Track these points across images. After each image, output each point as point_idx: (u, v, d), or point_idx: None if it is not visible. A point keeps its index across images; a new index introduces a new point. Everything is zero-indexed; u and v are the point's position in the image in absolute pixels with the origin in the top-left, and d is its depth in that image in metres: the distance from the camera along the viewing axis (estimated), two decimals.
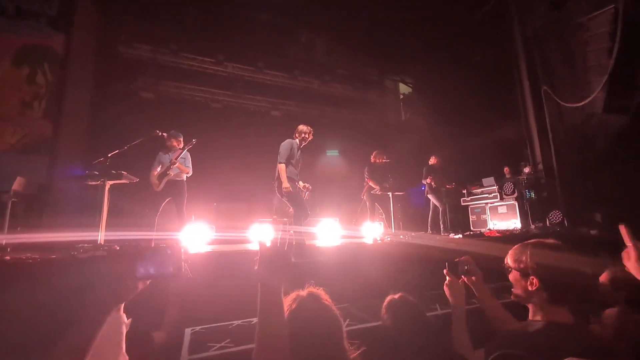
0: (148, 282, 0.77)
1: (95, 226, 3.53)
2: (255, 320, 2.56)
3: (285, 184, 3.73)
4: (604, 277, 1.73)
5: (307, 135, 4.06)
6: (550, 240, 1.15)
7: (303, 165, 4.20)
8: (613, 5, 5.55)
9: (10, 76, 5.68)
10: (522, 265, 1.14)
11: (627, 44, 5.38)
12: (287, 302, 1.07)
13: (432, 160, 6.20)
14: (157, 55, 8.14)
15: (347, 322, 2.58)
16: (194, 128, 8.24)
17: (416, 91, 11.13)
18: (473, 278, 1.45)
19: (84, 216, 5.71)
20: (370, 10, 8.60)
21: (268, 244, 0.82)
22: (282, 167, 3.80)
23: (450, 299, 1.44)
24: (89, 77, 7.32)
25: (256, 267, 0.81)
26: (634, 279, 1.81)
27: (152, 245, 3.83)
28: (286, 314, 1.02)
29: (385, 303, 1.39)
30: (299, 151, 4.06)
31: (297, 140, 4.05)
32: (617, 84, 5.60)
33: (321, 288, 1.21)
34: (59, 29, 6.06)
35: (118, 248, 3.30)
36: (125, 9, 7.09)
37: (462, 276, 1.46)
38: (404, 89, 11.39)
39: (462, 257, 1.48)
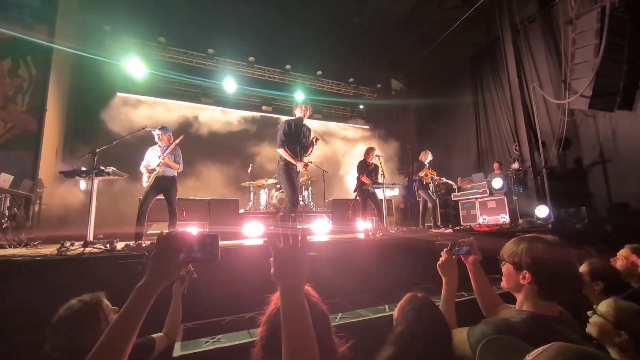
0: (190, 267, 0.79)
1: (84, 223, 3.46)
2: (247, 315, 2.56)
3: (299, 164, 3.83)
4: (583, 268, 1.80)
5: (303, 110, 4.01)
6: (548, 236, 1.15)
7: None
8: (600, 5, 5.65)
9: None
10: (516, 259, 1.15)
11: (613, 42, 5.49)
12: (274, 299, 1.05)
13: (423, 156, 6.26)
14: (145, 49, 7.97)
15: (339, 315, 2.61)
16: (184, 123, 8.21)
17: (408, 87, 11.19)
18: (470, 258, 1.46)
19: (73, 213, 5.63)
20: (360, 10, 8.60)
21: (279, 243, 0.77)
22: (281, 151, 3.81)
23: (443, 277, 1.46)
24: (74, 70, 7.15)
25: (272, 271, 0.76)
26: (613, 270, 1.88)
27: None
28: (273, 310, 1.02)
29: (401, 302, 1.36)
30: (302, 128, 3.98)
31: (294, 118, 4.00)
32: (603, 82, 5.73)
33: (308, 284, 1.22)
34: (42, 20, 5.87)
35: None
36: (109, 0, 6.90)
37: (461, 255, 1.46)
38: (396, 85, 11.44)
39: (467, 239, 1.49)
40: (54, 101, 6.12)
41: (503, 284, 1.22)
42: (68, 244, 3.16)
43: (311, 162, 4.20)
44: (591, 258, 1.91)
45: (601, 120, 6.38)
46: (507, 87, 7.47)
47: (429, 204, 6.24)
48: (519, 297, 1.17)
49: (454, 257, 1.47)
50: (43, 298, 1.96)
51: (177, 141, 4.30)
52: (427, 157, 6.22)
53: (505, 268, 1.20)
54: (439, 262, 1.48)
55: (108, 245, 3.24)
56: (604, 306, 1.25)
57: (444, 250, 1.49)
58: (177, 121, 8.05)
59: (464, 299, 2.38)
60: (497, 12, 7.17)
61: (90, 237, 3.39)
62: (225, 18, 7.68)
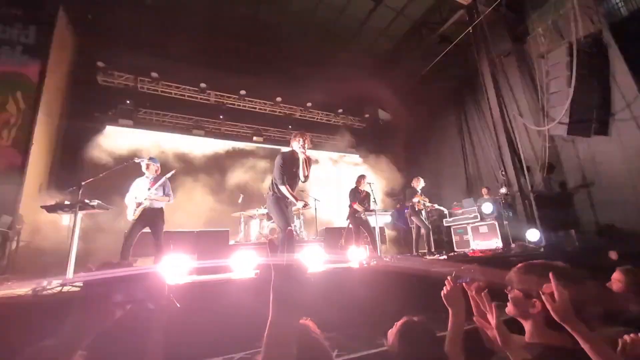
0: (127, 308, 0.68)
1: (66, 260, 3.28)
2: (237, 356, 2.39)
3: (299, 203, 3.57)
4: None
5: (300, 143, 3.52)
6: (559, 264, 1.11)
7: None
8: (568, 41, 6.13)
9: None
10: (526, 287, 1.10)
11: (583, 74, 5.90)
12: None
13: (415, 182, 6.33)
14: (137, 84, 8.12)
15: (335, 352, 2.46)
16: (176, 155, 8.18)
17: (395, 117, 11.57)
18: (472, 286, 1.37)
19: (54, 250, 5.36)
20: (347, 46, 9.10)
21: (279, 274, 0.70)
22: (283, 189, 3.48)
23: (450, 308, 1.38)
24: (64, 105, 7.17)
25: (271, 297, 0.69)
26: (608, 295, 1.86)
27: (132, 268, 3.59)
28: None
29: (398, 326, 1.27)
30: (296, 162, 3.57)
31: (288, 152, 3.64)
32: (578, 109, 6.07)
33: (309, 319, 1.16)
34: (34, 57, 5.96)
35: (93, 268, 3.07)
36: (103, 37, 7.11)
37: (464, 283, 1.39)
38: (383, 115, 11.83)
39: (469, 266, 1.45)
40: (42, 135, 6.06)
41: (509, 309, 1.16)
42: (45, 283, 2.97)
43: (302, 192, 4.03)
44: (586, 281, 1.89)
45: (580, 145, 6.67)
46: (489, 115, 7.81)
47: (422, 230, 6.21)
48: (527, 327, 1.11)
49: (457, 284, 1.41)
50: (13, 341, 1.79)
51: (168, 175, 4.25)
52: (420, 184, 6.29)
53: (514, 294, 1.15)
54: (444, 292, 1.41)
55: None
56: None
57: (448, 279, 1.43)
58: (167, 153, 8.02)
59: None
60: (475, 48, 7.67)
61: (70, 275, 3.20)
62: (217, 53, 7.97)
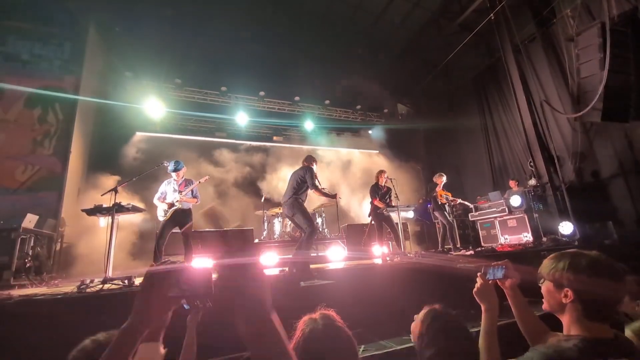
0: (182, 304, 0.70)
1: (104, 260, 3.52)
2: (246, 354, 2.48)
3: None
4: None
5: (317, 164, 4.54)
6: (591, 252, 1.07)
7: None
8: (599, 21, 5.76)
9: (23, 118, 5.91)
10: (557, 276, 1.08)
11: (618, 55, 5.52)
12: (300, 326, 1.06)
13: (438, 179, 6.20)
14: (162, 90, 8.47)
15: (362, 348, 2.49)
16: (199, 158, 8.48)
17: (414, 111, 11.36)
18: (507, 282, 1.34)
19: (93, 251, 5.74)
20: (363, 42, 9.03)
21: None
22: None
23: (482, 304, 1.33)
24: (97, 113, 7.62)
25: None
26: None
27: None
28: (300, 337, 1.02)
29: (421, 317, 1.24)
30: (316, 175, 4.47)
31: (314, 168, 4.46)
32: (612, 94, 5.69)
33: (332, 310, 1.19)
34: (69, 71, 6.38)
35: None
36: (130, 48, 7.48)
37: (497, 280, 1.34)
38: (402, 109, 11.64)
39: (500, 262, 1.37)
40: (78, 143, 6.47)
41: (544, 305, 1.13)
42: (88, 281, 3.20)
43: (324, 188, 4.31)
44: (627, 276, 1.79)
45: (615, 131, 6.26)
46: (513, 104, 7.49)
47: (447, 225, 6.09)
48: (565, 320, 1.07)
49: (490, 281, 1.35)
50: (63, 336, 1.96)
51: (201, 180, 4.51)
52: (442, 179, 6.16)
53: (545, 286, 1.12)
54: (475, 289, 1.36)
55: (126, 281, 3.26)
56: None
57: (479, 274, 1.38)
58: (191, 156, 8.34)
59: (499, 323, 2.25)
60: (497, 34, 7.37)
61: (110, 274, 3.43)
62: (237, 58, 8.16)
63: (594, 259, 1.04)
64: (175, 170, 4.41)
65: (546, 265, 1.14)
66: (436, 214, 6.05)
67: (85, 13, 6.62)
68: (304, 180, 4.22)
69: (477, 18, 7.71)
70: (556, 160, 6.77)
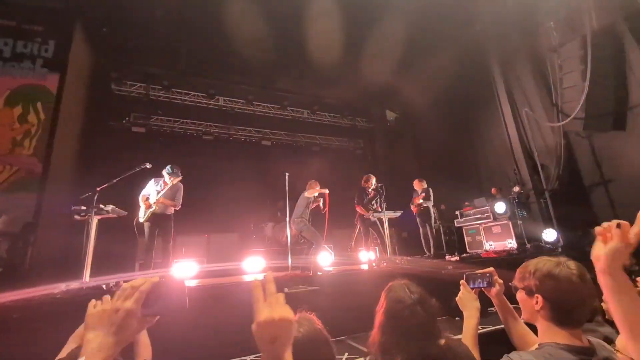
0: (155, 320, 0.69)
1: (81, 264, 3.40)
2: (248, 358, 2.42)
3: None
4: None
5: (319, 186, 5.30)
6: (560, 258, 1.08)
7: None
8: (581, 33, 5.96)
9: (2, 116, 5.72)
10: (526, 283, 1.08)
11: (598, 67, 5.72)
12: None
13: (417, 184, 6.28)
14: (149, 92, 8.34)
15: (345, 355, 2.46)
16: (186, 160, 8.34)
17: (402, 117, 11.48)
18: (493, 291, 1.35)
19: (70, 253, 5.54)
20: (355, 47, 9.10)
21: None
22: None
23: (464, 311, 1.35)
24: (81, 114, 7.43)
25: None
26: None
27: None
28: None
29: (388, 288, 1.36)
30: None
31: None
32: (594, 104, 5.88)
33: (313, 313, 1.19)
34: (53, 69, 6.21)
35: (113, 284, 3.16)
36: (117, 49, 7.35)
37: (482, 288, 1.35)
38: (390, 115, 11.75)
39: (485, 270, 1.38)
40: (61, 143, 6.28)
41: (522, 315, 1.13)
42: (63, 286, 3.09)
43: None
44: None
45: (596, 141, 6.45)
46: (498, 112, 7.65)
47: (429, 231, 6.15)
48: (539, 328, 1.06)
49: (473, 290, 1.36)
50: (35, 345, 1.87)
51: (174, 181, 4.33)
52: (422, 185, 6.24)
53: (519, 295, 1.12)
54: (458, 296, 1.38)
55: (104, 287, 3.15)
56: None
57: (462, 282, 1.39)
58: (177, 158, 8.19)
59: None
60: (484, 42, 7.54)
61: (87, 279, 3.31)
62: (225, 61, 8.11)
63: (557, 262, 1.05)
64: (170, 174, 4.29)
65: (517, 274, 1.15)
66: (418, 219, 6.12)
67: (72, 12, 6.48)
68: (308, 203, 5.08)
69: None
70: (540, 168, 6.93)
